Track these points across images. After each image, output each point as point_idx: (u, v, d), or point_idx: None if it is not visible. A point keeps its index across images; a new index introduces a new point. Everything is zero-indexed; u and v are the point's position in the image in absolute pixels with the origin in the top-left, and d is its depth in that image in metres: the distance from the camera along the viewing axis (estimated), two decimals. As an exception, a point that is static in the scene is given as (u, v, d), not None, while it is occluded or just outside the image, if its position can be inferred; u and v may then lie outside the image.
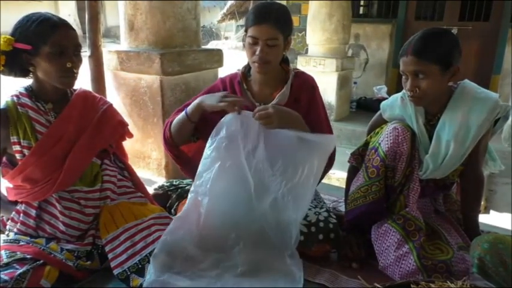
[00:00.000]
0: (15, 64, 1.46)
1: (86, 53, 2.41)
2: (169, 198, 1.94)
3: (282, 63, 1.86)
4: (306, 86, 1.82)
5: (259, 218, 1.51)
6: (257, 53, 1.65)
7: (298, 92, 1.80)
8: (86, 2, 2.60)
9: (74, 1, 15.93)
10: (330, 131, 1.86)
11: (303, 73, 1.87)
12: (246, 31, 1.71)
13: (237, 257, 1.50)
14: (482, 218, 1.84)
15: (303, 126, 1.63)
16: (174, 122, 1.74)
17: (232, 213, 1.54)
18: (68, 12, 15.03)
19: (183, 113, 1.70)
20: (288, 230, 1.50)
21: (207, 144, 1.55)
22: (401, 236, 1.54)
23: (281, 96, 1.78)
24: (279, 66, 1.84)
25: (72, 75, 1.49)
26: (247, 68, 1.86)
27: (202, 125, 1.71)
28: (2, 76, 1.51)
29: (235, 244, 1.52)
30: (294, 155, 1.52)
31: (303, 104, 1.79)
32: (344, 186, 1.92)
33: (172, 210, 1.89)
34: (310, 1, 5.23)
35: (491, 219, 3.02)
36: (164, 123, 2.39)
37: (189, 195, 1.54)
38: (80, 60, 1.51)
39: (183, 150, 1.85)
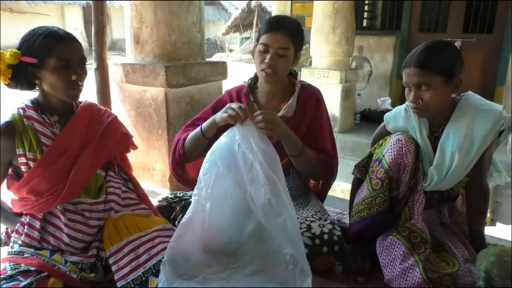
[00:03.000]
0: (22, 77, 1.48)
1: (92, 65, 2.43)
2: (174, 210, 1.94)
3: (289, 76, 1.88)
4: (312, 98, 1.83)
5: (255, 217, 1.51)
6: (266, 60, 1.67)
7: (304, 105, 1.81)
8: (92, 15, 2.63)
9: (80, 14, 16.16)
10: (333, 145, 1.87)
11: (309, 86, 1.89)
12: (257, 40, 1.73)
13: (242, 258, 1.50)
14: (489, 231, 1.83)
15: (296, 144, 1.65)
16: (188, 138, 1.74)
17: (233, 216, 1.54)
18: (75, 25, 15.23)
19: (198, 129, 1.71)
20: (280, 218, 1.48)
21: (209, 151, 1.56)
22: (407, 248, 1.53)
23: (288, 108, 1.79)
24: (286, 79, 1.85)
25: (77, 88, 1.50)
26: (253, 80, 1.88)
27: (214, 139, 1.72)
28: (6, 88, 1.53)
29: (239, 246, 1.52)
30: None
31: (307, 116, 1.80)
32: (348, 198, 1.91)
33: (177, 222, 1.88)
34: (314, 14, 5.27)
35: (498, 231, 2.99)
36: (168, 134, 2.43)
37: (193, 199, 1.53)
38: (85, 73, 1.53)
39: (188, 169, 1.86)
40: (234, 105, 1.56)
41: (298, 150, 1.67)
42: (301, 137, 1.78)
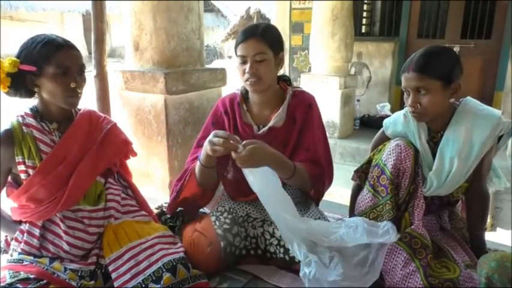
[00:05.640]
0: (21, 85, 1.48)
1: (91, 72, 2.44)
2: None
3: (282, 82, 1.85)
4: (303, 104, 1.79)
5: None
6: (247, 70, 1.66)
7: (294, 111, 1.78)
8: (92, 23, 2.64)
9: (80, 22, 16.21)
10: (327, 152, 1.83)
11: (301, 92, 1.85)
12: (236, 55, 1.71)
13: None
14: (489, 236, 1.83)
15: (286, 168, 1.64)
16: (197, 173, 1.74)
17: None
18: (74, 33, 15.26)
19: (199, 164, 1.69)
20: None
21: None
22: (408, 254, 1.53)
23: (277, 118, 1.77)
24: (277, 86, 1.82)
25: (76, 95, 1.50)
26: (244, 90, 1.86)
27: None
28: (6, 96, 1.53)
29: None
30: None
31: (298, 123, 1.77)
32: (347, 204, 1.91)
33: (177, 229, 1.88)
34: (313, 20, 5.29)
35: (498, 236, 2.99)
36: (168, 141, 2.42)
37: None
38: (83, 80, 1.53)
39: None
40: (216, 139, 1.53)
41: (288, 173, 1.65)
42: (292, 146, 1.77)
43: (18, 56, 1.46)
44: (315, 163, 1.76)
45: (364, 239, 1.49)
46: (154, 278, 1.42)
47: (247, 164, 1.52)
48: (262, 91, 1.75)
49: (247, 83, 1.69)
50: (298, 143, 1.78)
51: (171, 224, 1.90)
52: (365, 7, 6.68)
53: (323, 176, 1.80)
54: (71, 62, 1.48)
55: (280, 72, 1.84)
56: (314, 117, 1.79)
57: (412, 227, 1.57)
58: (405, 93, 1.57)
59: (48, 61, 1.43)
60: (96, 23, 2.60)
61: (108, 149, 1.64)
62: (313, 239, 1.56)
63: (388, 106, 5.80)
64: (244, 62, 1.68)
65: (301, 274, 1.49)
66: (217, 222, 1.72)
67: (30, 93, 1.52)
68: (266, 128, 1.78)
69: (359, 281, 1.47)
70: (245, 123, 1.81)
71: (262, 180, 1.55)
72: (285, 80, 1.89)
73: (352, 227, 1.54)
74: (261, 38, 1.66)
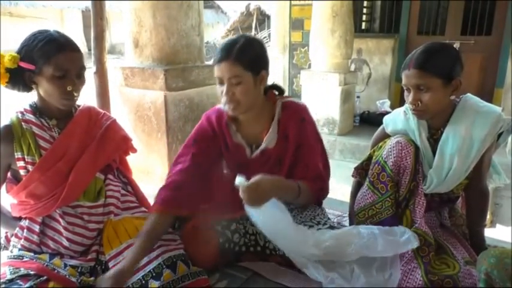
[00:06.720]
0: (19, 81, 1.48)
1: (91, 69, 2.43)
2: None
3: (270, 92, 1.75)
4: (294, 118, 1.70)
5: None
6: (224, 93, 1.57)
7: (286, 128, 1.70)
8: (91, 20, 2.63)
9: (79, 18, 16.18)
10: (326, 164, 1.81)
11: (292, 103, 1.74)
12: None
13: None
14: (489, 232, 1.83)
15: (291, 193, 1.61)
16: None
17: None
18: (74, 30, 15.23)
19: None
20: None
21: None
22: (412, 252, 1.53)
23: (268, 139, 1.70)
24: (263, 100, 1.71)
25: (71, 98, 1.49)
26: None
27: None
28: (6, 93, 1.53)
29: None
30: None
31: (290, 140, 1.69)
32: (348, 201, 1.91)
33: (176, 226, 1.88)
34: (313, 17, 5.28)
35: (498, 233, 2.99)
36: (168, 138, 2.42)
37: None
38: (82, 83, 1.51)
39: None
40: None
41: (294, 195, 1.62)
42: (288, 164, 1.72)
43: (18, 52, 1.46)
44: (316, 178, 1.72)
45: (388, 251, 1.47)
46: (154, 274, 1.43)
47: (254, 201, 1.44)
48: (242, 113, 1.66)
49: (226, 107, 1.61)
50: (295, 159, 1.72)
51: (170, 220, 1.90)
52: (365, 4, 6.66)
53: (324, 189, 1.78)
54: (71, 65, 1.45)
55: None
56: (308, 131, 1.71)
57: (416, 225, 1.57)
58: (405, 90, 1.57)
59: (47, 62, 1.42)
60: (96, 20, 2.59)
61: (108, 145, 1.64)
62: (331, 259, 1.53)
63: (388, 103, 5.79)
64: (221, 83, 1.59)
65: None
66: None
67: (28, 89, 1.52)
68: (258, 151, 1.72)
69: (384, 285, 1.47)
70: (236, 144, 1.75)
71: (268, 219, 1.50)
72: (272, 88, 1.78)
73: (370, 239, 1.49)
74: (236, 60, 1.53)
